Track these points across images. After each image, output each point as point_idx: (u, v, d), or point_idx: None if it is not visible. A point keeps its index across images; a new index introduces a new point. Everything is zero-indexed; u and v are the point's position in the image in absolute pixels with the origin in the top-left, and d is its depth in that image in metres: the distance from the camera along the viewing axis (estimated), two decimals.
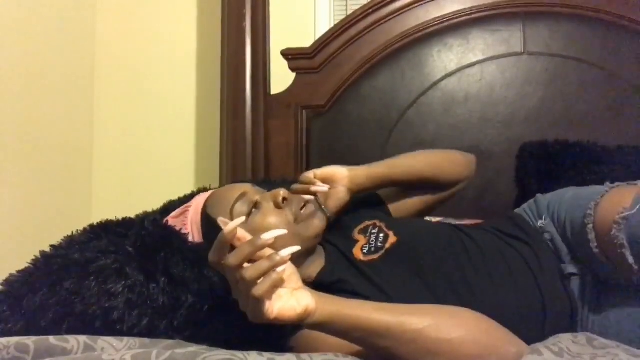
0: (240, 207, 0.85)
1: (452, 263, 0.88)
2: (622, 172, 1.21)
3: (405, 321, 0.65)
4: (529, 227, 0.97)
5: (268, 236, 0.61)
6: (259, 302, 0.60)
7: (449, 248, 0.91)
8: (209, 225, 0.86)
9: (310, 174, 0.94)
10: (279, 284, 0.61)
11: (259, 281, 0.60)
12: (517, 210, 1.06)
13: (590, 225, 0.82)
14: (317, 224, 0.86)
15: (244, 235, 0.63)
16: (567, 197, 0.94)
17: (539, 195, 1.04)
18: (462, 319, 0.67)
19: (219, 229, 0.82)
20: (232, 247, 0.62)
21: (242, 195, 0.87)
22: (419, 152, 1.07)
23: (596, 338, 0.75)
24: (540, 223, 0.95)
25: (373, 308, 0.66)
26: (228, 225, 0.62)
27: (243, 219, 0.64)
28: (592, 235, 0.82)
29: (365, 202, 1.06)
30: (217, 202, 0.89)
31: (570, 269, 0.88)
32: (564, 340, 0.73)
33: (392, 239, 0.92)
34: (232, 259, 0.60)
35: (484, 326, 0.68)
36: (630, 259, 0.76)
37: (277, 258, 0.60)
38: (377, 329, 0.64)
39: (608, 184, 0.89)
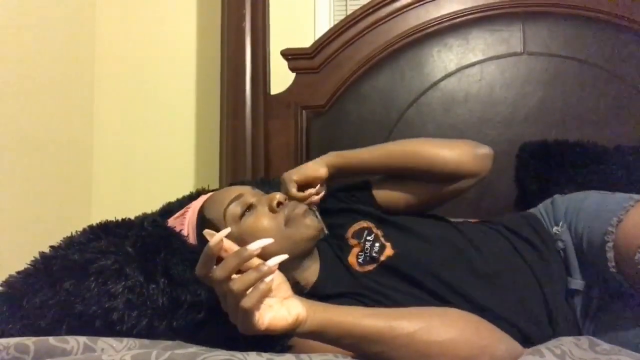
0: (234, 208, 0.85)
1: (451, 277, 0.86)
2: (622, 172, 1.21)
3: (396, 326, 0.65)
4: (544, 232, 0.94)
5: (254, 247, 0.60)
6: (249, 313, 0.59)
7: (448, 260, 0.88)
8: (203, 226, 0.85)
9: (292, 187, 0.90)
10: (267, 294, 0.61)
11: (247, 292, 0.59)
12: (532, 210, 1.03)
13: (610, 244, 0.80)
14: (309, 224, 0.84)
15: (230, 246, 0.63)
16: (586, 204, 0.91)
17: (556, 197, 1.01)
18: (452, 320, 0.67)
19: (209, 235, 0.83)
20: (221, 258, 0.62)
21: (238, 196, 0.86)
22: (417, 139, 0.99)
23: (599, 343, 0.75)
24: (555, 230, 0.92)
25: (363, 314, 0.66)
26: (214, 237, 0.61)
27: (229, 230, 0.63)
28: (610, 254, 0.79)
29: (352, 186, 1.03)
30: (213, 202, 0.89)
31: (575, 284, 0.86)
32: (566, 343, 0.72)
33: (389, 251, 0.90)
34: (218, 271, 0.60)
35: (474, 325, 0.68)
36: None
37: (265, 268, 0.60)
38: (368, 335, 0.64)
39: (633, 196, 0.85)
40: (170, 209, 1.05)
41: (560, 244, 0.90)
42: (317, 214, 0.88)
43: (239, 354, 0.60)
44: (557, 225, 0.93)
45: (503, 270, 0.87)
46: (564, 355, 0.68)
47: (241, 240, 0.81)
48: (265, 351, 0.68)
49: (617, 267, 0.79)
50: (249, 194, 0.88)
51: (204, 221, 0.87)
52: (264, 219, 0.83)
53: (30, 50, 1.63)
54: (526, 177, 1.34)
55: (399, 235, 0.93)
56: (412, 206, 1.00)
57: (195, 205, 0.92)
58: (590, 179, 1.22)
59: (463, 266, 0.87)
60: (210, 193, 0.96)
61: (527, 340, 0.77)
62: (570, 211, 0.92)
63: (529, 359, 0.63)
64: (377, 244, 0.91)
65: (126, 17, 1.95)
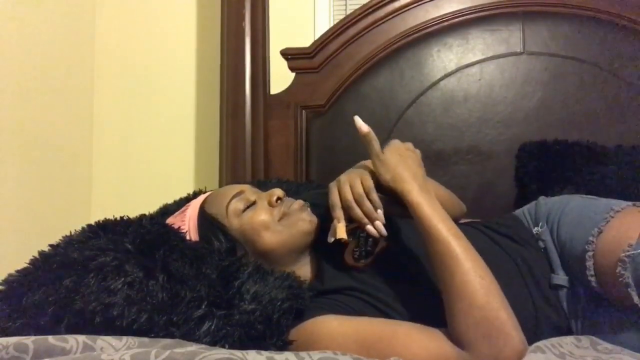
0: (236, 203, 0.88)
1: None
2: (622, 172, 1.21)
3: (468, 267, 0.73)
4: (523, 229, 0.95)
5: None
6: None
7: None
8: (204, 220, 0.89)
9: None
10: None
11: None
12: (517, 211, 1.04)
13: (590, 253, 0.81)
14: (305, 217, 0.88)
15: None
16: (568, 209, 0.92)
17: (541, 199, 1.02)
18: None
19: (214, 225, 0.86)
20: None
21: (239, 193, 0.90)
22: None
23: (600, 342, 0.75)
24: (536, 230, 0.94)
25: (454, 235, 0.76)
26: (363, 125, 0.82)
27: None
28: (589, 263, 0.81)
29: None
30: (215, 198, 0.92)
31: (558, 280, 0.87)
32: (566, 344, 0.72)
33: (382, 243, 0.91)
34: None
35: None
36: (636, 299, 0.74)
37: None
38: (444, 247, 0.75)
39: (613, 206, 0.86)
40: (168, 210, 1.07)
41: (541, 243, 0.92)
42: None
43: (238, 353, 0.60)
44: (537, 225, 0.94)
45: (487, 261, 0.87)
46: (564, 355, 0.68)
47: (242, 233, 0.86)
48: (264, 348, 0.68)
49: (596, 277, 0.81)
50: (249, 191, 0.91)
51: (205, 217, 0.89)
52: (262, 213, 0.87)
53: (30, 50, 1.62)
54: (526, 177, 1.34)
55: (389, 228, 0.93)
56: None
57: (195, 203, 0.94)
58: (590, 179, 1.22)
59: None
60: (209, 192, 0.98)
61: None
62: (553, 215, 0.94)
63: (530, 357, 0.63)
64: (370, 239, 0.92)
65: (126, 17, 1.95)
